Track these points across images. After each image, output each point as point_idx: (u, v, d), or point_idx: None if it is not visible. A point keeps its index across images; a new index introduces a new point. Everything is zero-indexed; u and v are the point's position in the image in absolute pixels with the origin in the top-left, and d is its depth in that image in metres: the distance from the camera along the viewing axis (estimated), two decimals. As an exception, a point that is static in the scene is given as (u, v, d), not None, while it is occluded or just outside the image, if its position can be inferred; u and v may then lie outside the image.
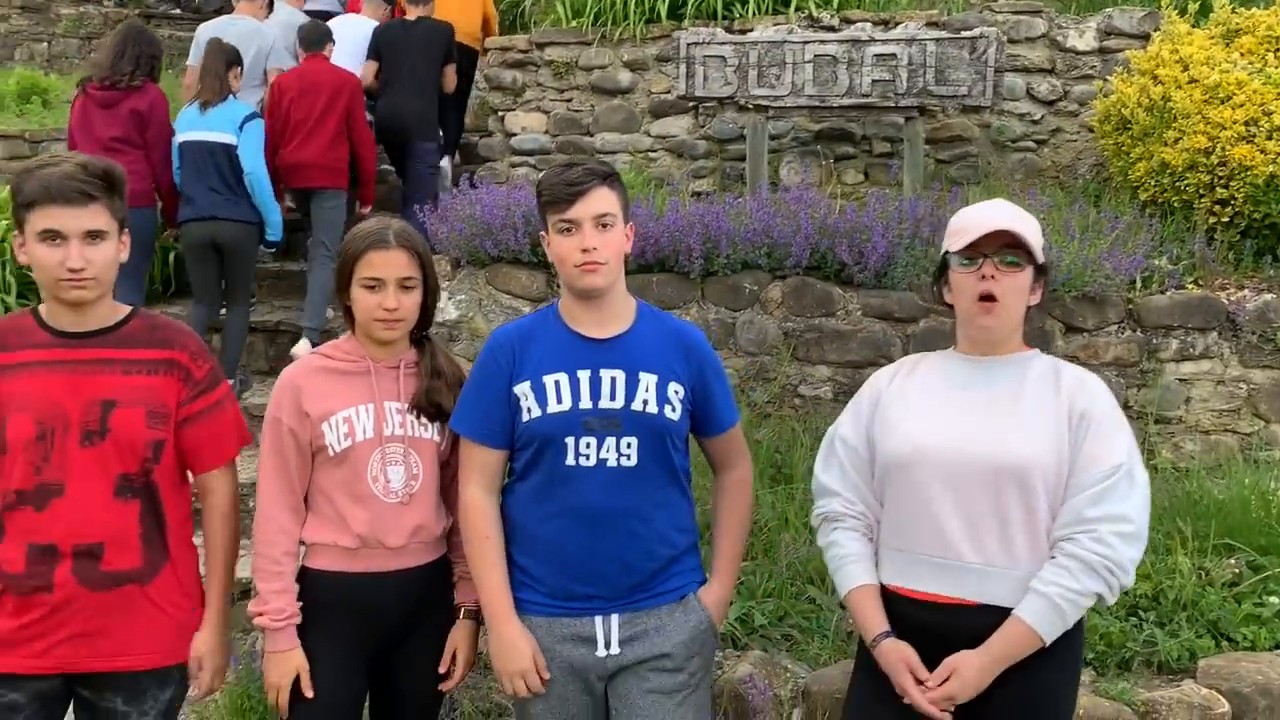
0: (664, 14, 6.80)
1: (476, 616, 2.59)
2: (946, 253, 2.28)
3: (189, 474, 2.43)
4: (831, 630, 3.56)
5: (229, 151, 5.50)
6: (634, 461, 2.32)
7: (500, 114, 7.28)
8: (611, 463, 2.31)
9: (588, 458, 2.31)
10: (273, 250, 6.24)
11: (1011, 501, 2.13)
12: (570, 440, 2.30)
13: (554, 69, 7.11)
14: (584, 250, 2.29)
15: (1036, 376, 2.22)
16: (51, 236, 2.16)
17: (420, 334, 2.56)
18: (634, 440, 2.32)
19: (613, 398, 2.32)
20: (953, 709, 2.14)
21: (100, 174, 2.19)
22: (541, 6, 7.55)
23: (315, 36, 6.14)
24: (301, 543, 2.48)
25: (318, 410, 2.41)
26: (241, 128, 5.54)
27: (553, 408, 2.32)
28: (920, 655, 2.18)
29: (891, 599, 2.25)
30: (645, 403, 2.33)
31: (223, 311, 5.81)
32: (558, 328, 2.39)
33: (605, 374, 2.34)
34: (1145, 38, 6.04)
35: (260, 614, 2.40)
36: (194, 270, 5.76)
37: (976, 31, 5.66)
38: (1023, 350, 2.29)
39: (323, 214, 5.99)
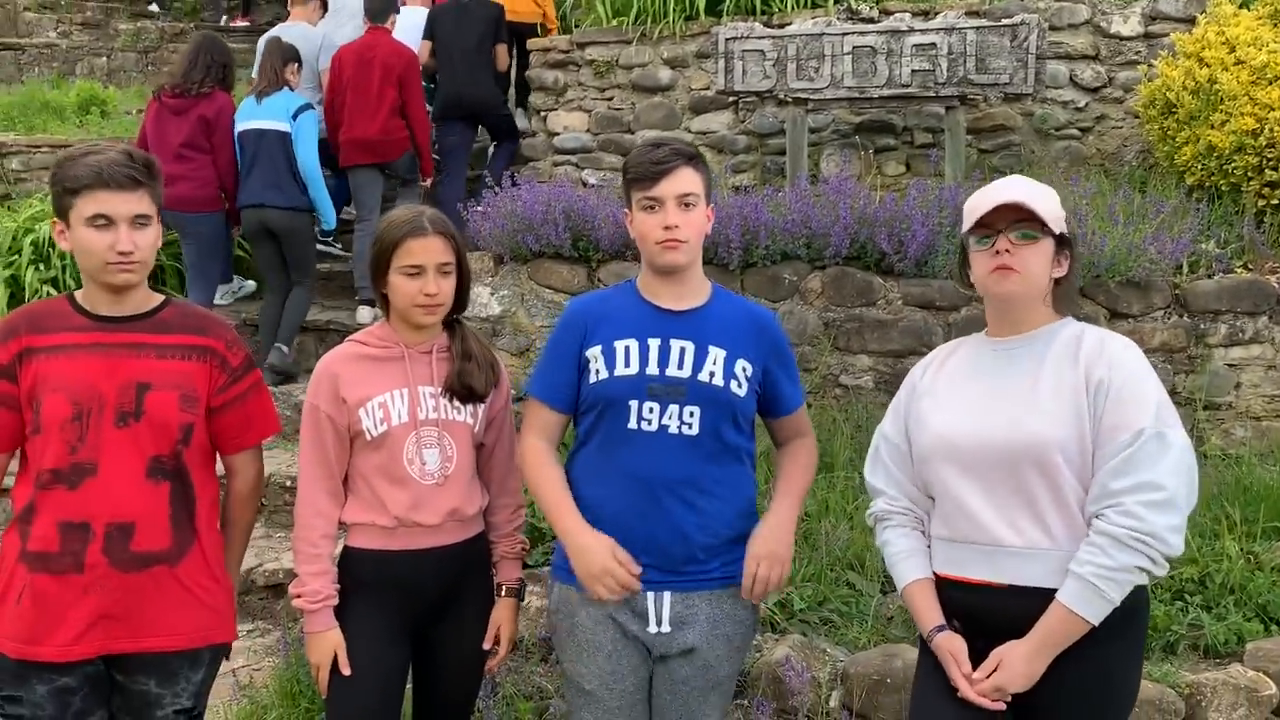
0: (703, 10, 6.83)
1: (518, 594, 2.67)
2: (965, 237, 2.27)
3: (216, 456, 2.49)
4: (870, 615, 3.56)
5: (283, 139, 5.67)
6: (695, 431, 2.36)
7: (543, 114, 7.36)
8: (673, 430, 2.35)
9: (649, 422, 2.35)
10: (330, 237, 6.37)
11: (1034, 484, 2.12)
12: (634, 403, 2.35)
13: (595, 68, 7.17)
14: (666, 228, 2.34)
15: (1059, 349, 2.19)
16: (101, 221, 2.23)
17: (451, 318, 2.60)
18: (697, 410, 2.35)
19: (680, 366, 2.37)
20: (1009, 698, 2.13)
21: (144, 162, 2.27)
22: (583, 7, 7.61)
23: (380, 7, 6.30)
24: (343, 524, 2.54)
25: (354, 396, 2.47)
26: (295, 118, 5.70)
27: (620, 371, 2.37)
28: (978, 640, 2.19)
29: (945, 585, 2.26)
30: (712, 375, 2.37)
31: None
32: (634, 299, 2.46)
33: (675, 343, 2.39)
34: (1191, 21, 5.93)
35: (298, 595, 2.47)
36: (257, 255, 6.00)
37: (1017, 19, 5.60)
38: (1051, 322, 2.25)
39: (402, 167, 6.29)
